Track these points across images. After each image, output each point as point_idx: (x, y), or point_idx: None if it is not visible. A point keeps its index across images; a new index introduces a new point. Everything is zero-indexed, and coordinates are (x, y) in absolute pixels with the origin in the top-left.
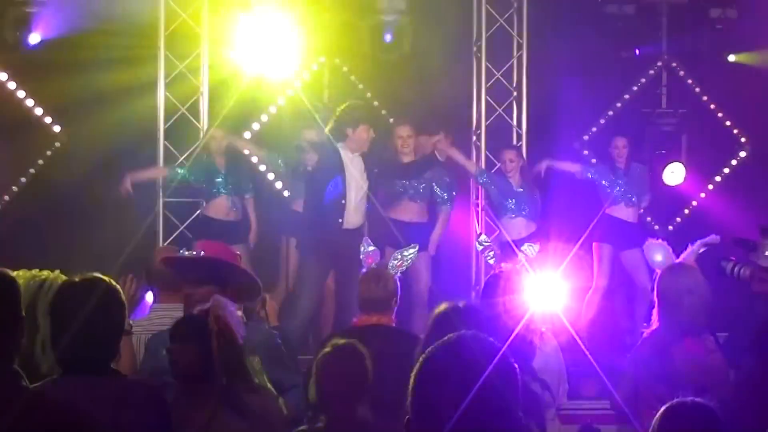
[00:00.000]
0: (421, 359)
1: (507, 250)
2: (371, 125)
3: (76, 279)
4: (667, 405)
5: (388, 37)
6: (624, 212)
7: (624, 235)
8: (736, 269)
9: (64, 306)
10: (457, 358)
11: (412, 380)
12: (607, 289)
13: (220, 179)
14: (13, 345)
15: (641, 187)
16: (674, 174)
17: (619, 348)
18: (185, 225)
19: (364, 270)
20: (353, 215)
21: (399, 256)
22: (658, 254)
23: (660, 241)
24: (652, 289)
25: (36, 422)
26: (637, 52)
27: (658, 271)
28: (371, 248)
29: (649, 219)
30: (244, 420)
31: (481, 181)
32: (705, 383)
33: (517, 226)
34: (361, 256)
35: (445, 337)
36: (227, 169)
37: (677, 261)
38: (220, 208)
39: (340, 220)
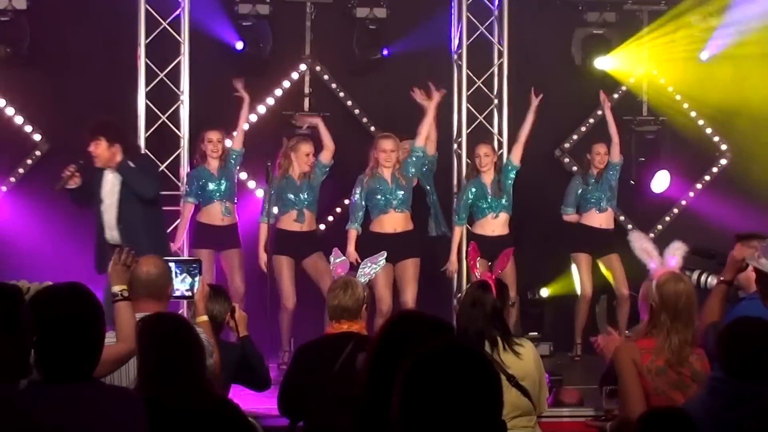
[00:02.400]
0: (405, 367)
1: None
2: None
3: (54, 286)
4: (643, 413)
5: (385, 52)
6: (597, 219)
7: (599, 242)
8: (702, 278)
9: (42, 313)
10: (443, 367)
11: (396, 389)
12: (591, 297)
13: (213, 186)
14: (12, 358)
15: (612, 192)
16: (661, 182)
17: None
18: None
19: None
20: (109, 232)
21: (369, 264)
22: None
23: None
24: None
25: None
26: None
27: (654, 268)
28: (340, 259)
29: (630, 226)
30: None
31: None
32: None
33: (492, 224)
34: (330, 267)
35: (429, 346)
36: (220, 174)
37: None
38: (213, 214)
39: (106, 237)
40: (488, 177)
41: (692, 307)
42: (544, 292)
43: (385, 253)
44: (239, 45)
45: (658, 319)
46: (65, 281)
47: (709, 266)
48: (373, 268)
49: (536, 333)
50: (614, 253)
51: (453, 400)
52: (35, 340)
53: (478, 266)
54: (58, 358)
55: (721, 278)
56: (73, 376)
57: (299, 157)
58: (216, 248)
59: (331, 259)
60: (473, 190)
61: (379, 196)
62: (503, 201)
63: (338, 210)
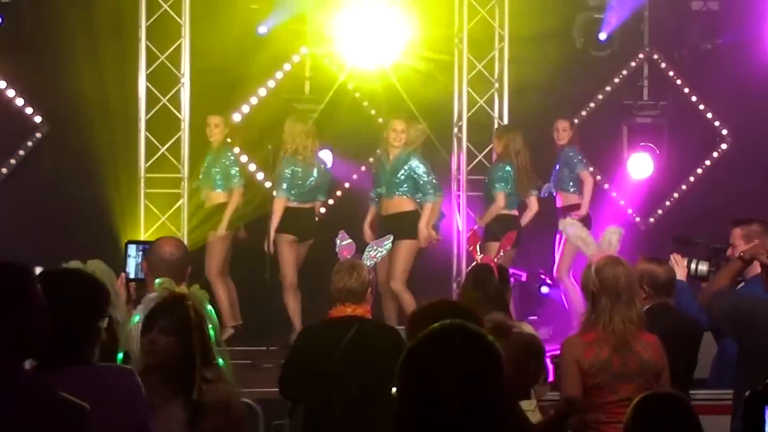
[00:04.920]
0: (406, 349)
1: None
2: None
3: (52, 270)
4: (639, 397)
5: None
6: (569, 198)
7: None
8: (692, 266)
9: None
10: (443, 348)
11: (398, 370)
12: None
13: (217, 170)
14: (22, 334)
15: (570, 165)
16: (639, 166)
17: None
18: (166, 216)
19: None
20: None
21: (375, 248)
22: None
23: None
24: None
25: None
26: (604, 35)
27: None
28: (346, 242)
29: (630, 211)
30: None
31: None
32: None
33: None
34: (336, 249)
35: (431, 327)
36: (213, 161)
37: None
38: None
39: None
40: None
41: (632, 289)
42: (545, 290)
43: (391, 237)
44: (262, 29)
45: (599, 303)
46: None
47: (698, 254)
48: (379, 251)
49: (535, 317)
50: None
51: (456, 380)
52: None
53: (478, 251)
54: (51, 341)
55: (741, 255)
56: (67, 359)
57: (297, 135)
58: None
59: (337, 241)
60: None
61: (379, 178)
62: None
63: (338, 193)
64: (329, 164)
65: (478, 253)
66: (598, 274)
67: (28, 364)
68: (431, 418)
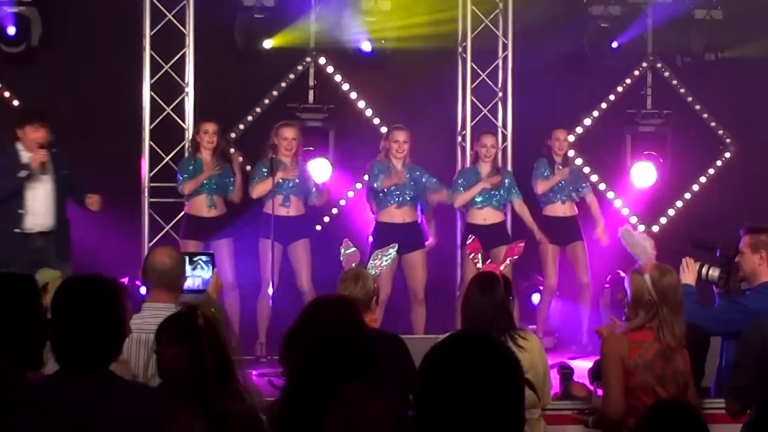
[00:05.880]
0: (424, 357)
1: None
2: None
3: (79, 277)
4: (650, 406)
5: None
6: (561, 209)
7: (564, 231)
8: (704, 270)
9: (65, 304)
10: (462, 356)
11: (417, 379)
12: (556, 288)
13: (205, 180)
14: (25, 346)
15: (577, 182)
16: (642, 175)
17: (578, 347)
18: (170, 225)
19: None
20: (41, 218)
21: (379, 256)
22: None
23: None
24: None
25: (31, 420)
26: (616, 44)
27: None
28: (350, 250)
29: (634, 219)
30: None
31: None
32: None
33: (482, 213)
34: (341, 258)
35: (449, 335)
36: (212, 167)
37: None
38: (199, 206)
39: (17, 230)
40: (486, 168)
41: (682, 296)
42: (536, 299)
43: (396, 245)
44: (267, 44)
45: (661, 312)
46: (92, 274)
47: (710, 258)
48: (384, 260)
49: (534, 326)
50: (579, 241)
51: (476, 392)
52: (53, 331)
53: (479, 259)
54: (75, 349)
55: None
56: (89, 367)
57: (280, 141)
58: (203, 240)
59: (341, 250)
60: (468, 176)
61: (392, 187)
62: (494, 195)
63: (342, 203)
64: (329, 173)
65: (479, 262)
66: (657, 285)
67: (51, 370)
68: (448, 426)
